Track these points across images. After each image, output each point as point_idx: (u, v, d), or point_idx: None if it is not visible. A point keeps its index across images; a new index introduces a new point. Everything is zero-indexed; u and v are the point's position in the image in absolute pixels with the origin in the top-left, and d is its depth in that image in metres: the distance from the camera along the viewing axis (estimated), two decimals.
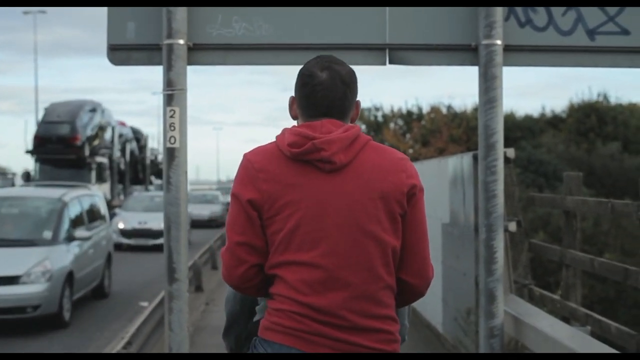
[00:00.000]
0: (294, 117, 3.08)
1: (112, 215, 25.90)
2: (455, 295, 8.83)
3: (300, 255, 2.85)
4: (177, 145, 5.46)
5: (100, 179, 30.73)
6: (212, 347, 9.74)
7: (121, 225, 24.73)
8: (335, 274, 2.83)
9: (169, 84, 5.41)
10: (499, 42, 5.34)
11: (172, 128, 5.43)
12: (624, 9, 5.44)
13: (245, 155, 2.99)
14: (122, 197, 34.61)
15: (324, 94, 2.94)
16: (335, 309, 2.83)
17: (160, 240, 22.61)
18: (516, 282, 8.48)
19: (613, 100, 43.92)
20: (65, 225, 12.86)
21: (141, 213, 25.65)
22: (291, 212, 2.85)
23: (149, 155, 45.11)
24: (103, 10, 5.47)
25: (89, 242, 13.54)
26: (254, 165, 2.92)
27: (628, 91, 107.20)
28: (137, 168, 41.41)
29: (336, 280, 2.83)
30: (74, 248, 12.83)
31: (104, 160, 32.16)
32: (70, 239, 12.76)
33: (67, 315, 11.91)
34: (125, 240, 24.40)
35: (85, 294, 13.45)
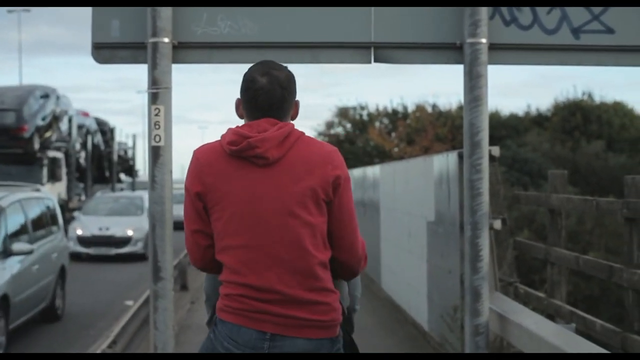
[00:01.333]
0: (241, 117, 3.44)
1: (70, 219, 23.39)
2: (441, 293, 8.85)
3: (237, 239, 3.23)
4: (162, 143, 5.44)
5: (53, 178, 26.42)
6: (197, 346, 9.70)
7: (79, 232, 21.68)
8: (269, 253, 3.20)
9: (153, 82, 5.39)
10: (484, 40, 5.35)
11: (157, 126, 5.41)
12: (608, 8, 5.46)
13: (194, 152, 3.37)
14: (83, 197, 31.01)
15: (263, 98, 3.31)
16: (272, 285, 3.19)
17: (125, 249, 21.38)
18: (501, 280, 8.51)
19: (597, 99, 44.09)
20: (0, 237, 10.49)
21: (103, 217, 22.74)
22: (228, 202, 3.24)
23: (116, 150, 40.58)
24: (87, 9, 5.45)
25: (33, 257, 11.23)
26: (200, 160, 3.33)
27: (612, 90, 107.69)
28: (102, 164, 37.45)
29: (270, 259, 3.20)
30: (12, 265, 10.52)
31: (58, 155, 27.58)
32: (6, 253, 10.43)
33: None
34: (83, 250, 21.35)
35: (28, 319, 11.22)
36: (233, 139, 3.25)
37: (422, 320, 9.96)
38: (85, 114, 33.53)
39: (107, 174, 38.40)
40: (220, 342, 3.30)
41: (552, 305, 8.51)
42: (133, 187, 42.43)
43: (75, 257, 19.80)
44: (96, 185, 35.06)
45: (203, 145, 3.37)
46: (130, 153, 46.86)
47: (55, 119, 27.35)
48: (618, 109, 42.99)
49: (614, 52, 5.56)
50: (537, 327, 5.56)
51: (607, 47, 5.52)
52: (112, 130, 39.76)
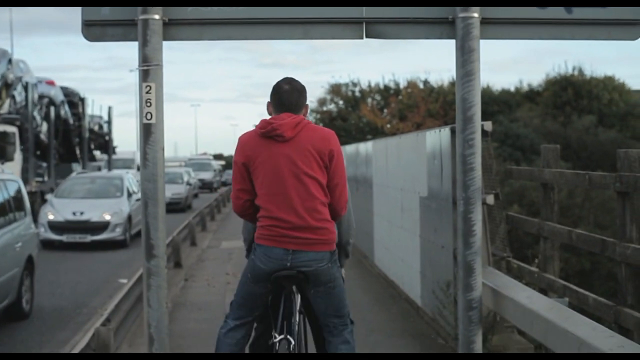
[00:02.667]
0: (270, 114, 5.14)
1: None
2: (434, 268, 8.87)
3: (267, 190, 4.90)
4: (153, 121, 5.42)
5: (3, 156, 22.65)
6: (191, 322, 9.75)
7: (50, 217, 19.19)
8: (287, 197, 4.85)
9: (144, 59, 5.37)
10: (476, 15, 5.34)
11: (149, 104, 5.39)
12: None
13: (239, 137, 5.04)
14: (45, 178, 26.95)
15: (286, 97, 5.05)
16: (290, 218, 4.84)
17: (103, 236, 18.92)
18: (494, 254, 8.54)
19: (588, 74, 44.06)
20: None
21: (78, 200, 20.19)
22: (262, 167, 4.91)
23: (88, 124, 35.57)
24: None
25: None
26: (242, 141, 5.04)
27: (603, 65, 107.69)
28: (71, 141, 32.34)
29: (288, 201, 4.85)
30: None
31: (9, 129, 23.40)
32: None
33: None
34: (55, 237, 18.92)
35: None
36: (263, 124, 4.93)
37: (415, 296, 9.99)
38: (51, 83, 29.44)
39: (77, 151, 33.66)
40: (259, 258, 4.90)
41: (545, 280, 8.54)
42: (109, 165, 38.54)
43: (47, 245, 18.48)
44: (64, 165, 31.09)
45: (245, 133, 5.07)
46: (106, 127, 41.75)
47: (6, 86, 23.90)
48: (608, 83, 42.97)
49: (606, 26, 5.55)
50: (530, 302, 5.58)
51: (599, 20, 5.51)
52: (82, 101, 34.62)
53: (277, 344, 4.90)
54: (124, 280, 12.97)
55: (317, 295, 4.96)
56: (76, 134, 33.30)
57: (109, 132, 41.59)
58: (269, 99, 5.12)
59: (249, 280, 4.96)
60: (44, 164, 27.43)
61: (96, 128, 39.30)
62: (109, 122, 41.95)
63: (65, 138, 31.29)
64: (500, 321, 7.62)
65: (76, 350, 6.68)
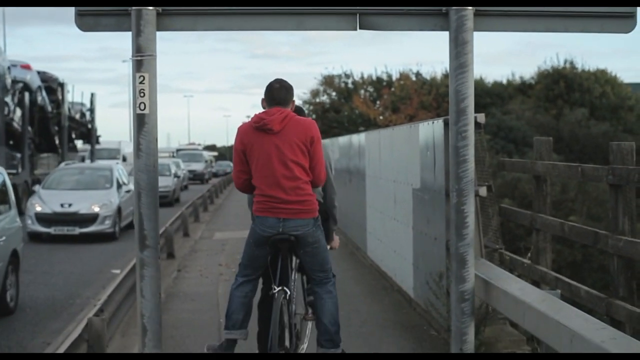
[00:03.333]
0: (264, 108, 6.08)
1: None
2: (426, 260, 8.89)
3: (261, 174, 5.90)
4: (146, 111, 5.43)
5: None
6: (184, 313, 9.75)
7: (38, 209, 18.61)
8: (276, 179, 5.85)
9: (138, 49, 5.37)
10: (469, 7, 5.34)
11: (142, 94, 5.40)
12: None
13: (238, 128, 6.05)
14: (19, 170, 25.33)
15: (276, 94, 5.99)
16: (280, 195, 5.85)
17: (91, 228, 18.36)
18: (486, 246, 8.55)
19: (580, 67, 44.15)
20: None
21: (66, 192, 19.67)
22: (256, 155, 5.90)
23: (68, 112, 33.66)
24: None
25: None
26: (241, 131, 6.03)
27: (595, 58, 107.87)
28: (49, 129, 30.54)
29: (278, 181, 5.85)
30: None
31: None
32: None
33: None
34: (42, 229, 18.35)
35: None
36: (257, 119, 5.89)
37: (408, 287, 10.01)
38: (26, 67, 27.65)
39: (57, 141, 31.84)
40: (257, 227, 5.95)
41: (537, 272, 8.56)
42: (92, 156, 36.82)
43: (34, 237, 18.14)
44: (41, 156, 29.89)
45: (243, 124, 6.07)
46: (88, 116, 39.31)
47: None
48: (601, 76, 43.07)
49: (599, 19, 5.57)
50: (523, 293, 5.60)
51: (592, 13, 5.53)
52: (62, 87, 32.36)
53: (276, 294, 5.98)
54: (117, 271, 12.95)
55: (305, 254, 6.08)
56: (55, 122, 31.36)
57: (92, 121, 39.23)
58: (263, 96, 6.13)
59: (252, 244, 6.06)
60: (18, 155, 25.86)
61: (77, 116, 36.54)
62: (92, 110, 39.45)
63: (42, 126, 29.33)
64: (493, 313, 7.64)
65: (70, 341, 6.67)
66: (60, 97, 32.03)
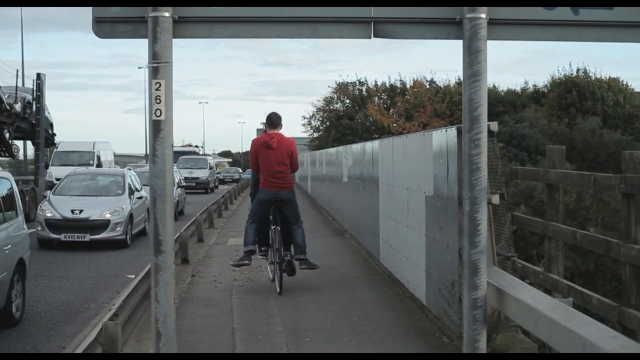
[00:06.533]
0: (265, 129, 11.95)
1: None
2: (439, 267, 8.91)
3: (265, 170, 11.65)
4: (162, 118, 5.47)
5: None
6: (198, 318, 9.80)
7: (48, 215, 18.27)
8: (274, 173, 11.60)
9: (154, 56, 5.41)
10: (483, 15, 5.37)
11: (158, 101, 5.44)
12: None
13: (253, 140, 12.10)
14: None
15: (273, 122, 11.74)
16: (276, 180, 11.63)
17: (103, 235, 18.03)
18: (499, 254, 8.56)
19: (593, 76, 44.04)
20: None
21: (77, 198, 19.36)
22: (262, 160, 11.62)
23: (47, 115, 28.68)
24: None
25: None
26: (255, 144, 11.90)
27: (607, 67, 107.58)
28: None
29: (274, 174, 11.61)
30: None
31: None
32: None
33: None
34: (52, 235, 18.04)
35: None
36: (264, 139, 11.59)
37: (421, 294, 10.03)
38: None
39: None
40: (261, 194, 11.67)
41: (550, 280, 8.57)
42: (37, 159, 28.08)
43: (44, 244, 18.02)
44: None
45: (257, 137, 11.93)
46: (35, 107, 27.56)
47: None
48: (613, 85, 42.96)
49: (612, 28, 5.58)
50: (535, 301, 5.61)
51: (606, 22, 5.54)
52: (41, 85, 26.62)
53: (272, 230, 11.72)
54: (132, 276, 13.01)
55: (287, 208, 11.76)
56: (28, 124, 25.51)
57: (38, 111, 27.29)
58: (265, 121, 11.93)
59: (258, 203, 11.77)
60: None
61: (17, 107, 25.67)
62: (38, 98, 27.32)
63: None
64: (505, 320, 7.65)
65: (85, 344, 6.72)
66: (36, 97, 26.59)
